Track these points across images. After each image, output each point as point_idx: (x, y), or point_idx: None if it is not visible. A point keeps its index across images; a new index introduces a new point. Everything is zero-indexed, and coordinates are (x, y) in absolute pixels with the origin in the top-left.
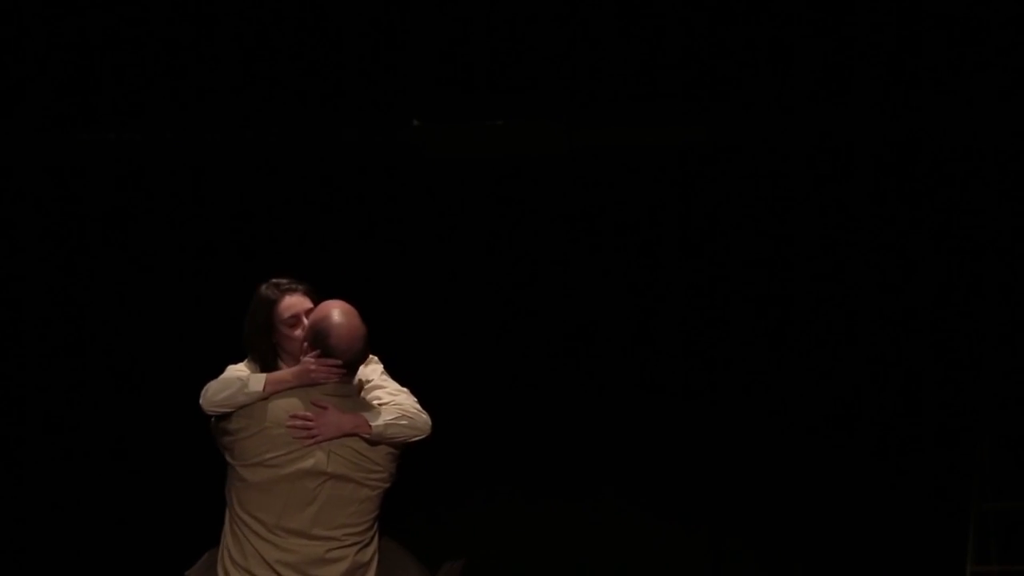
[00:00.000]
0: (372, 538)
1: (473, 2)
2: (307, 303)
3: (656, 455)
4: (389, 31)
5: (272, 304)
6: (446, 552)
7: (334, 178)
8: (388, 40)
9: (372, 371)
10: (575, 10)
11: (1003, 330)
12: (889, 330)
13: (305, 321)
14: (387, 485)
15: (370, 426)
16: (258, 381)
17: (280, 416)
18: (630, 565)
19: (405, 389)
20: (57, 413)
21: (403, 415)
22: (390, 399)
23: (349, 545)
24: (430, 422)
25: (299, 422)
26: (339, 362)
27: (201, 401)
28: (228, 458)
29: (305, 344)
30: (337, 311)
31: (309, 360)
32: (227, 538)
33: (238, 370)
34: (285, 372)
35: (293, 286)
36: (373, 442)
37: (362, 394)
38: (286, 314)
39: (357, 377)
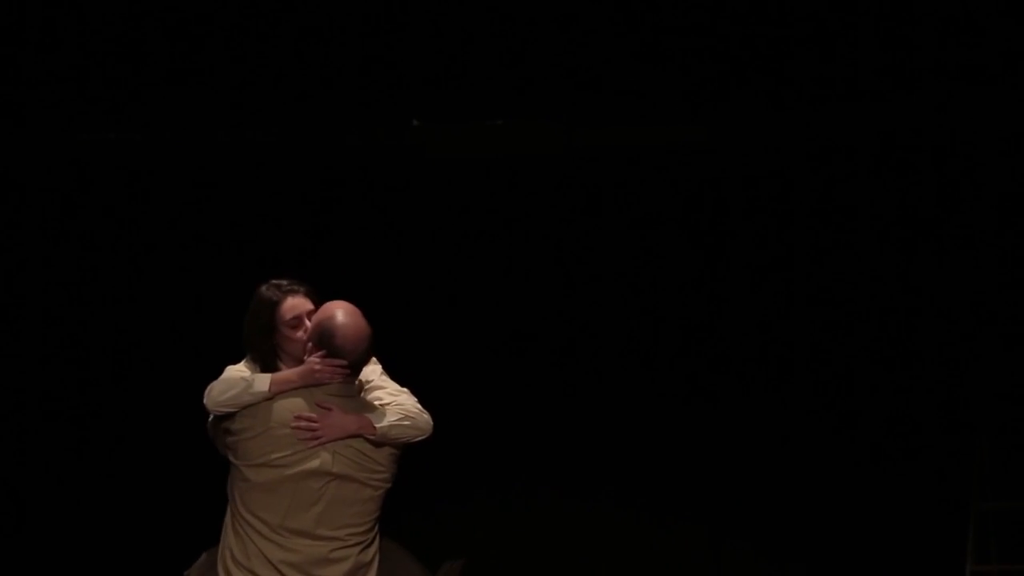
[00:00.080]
0: (373, 538)
1: (473, 2)
2: (309, 305)
3: (656, 455)
4: (389, 31)
5: (274, 305)
6: (446, 552)
7: (334, 178)
8: (388, 40)
9: (371, 371)
10: (575, 10)
11: (1003, 330)
12: (889, 330)
13: (307, 323)
14: (389, 485)
15: (375, 427)
16: (263, 381)
17: (285, 417)
18: (630, 565)
19: (405, 389)
20: (56, 413)
21: (406, 416)
22: (391, 399)
23: (352, 545)
24: (431, 422)
25: (303, 423)
26: (344, 362)
27: (205, 401)
28: (231, 458)
29: (309, 344)
30: (342, 311)
31: (314, 360)
32: (229, 538)
33: (239, 370)
34: (290, 372)
35: (294, 287)
36: (377, 443)
37: (362, 394)
38: (288, 315)
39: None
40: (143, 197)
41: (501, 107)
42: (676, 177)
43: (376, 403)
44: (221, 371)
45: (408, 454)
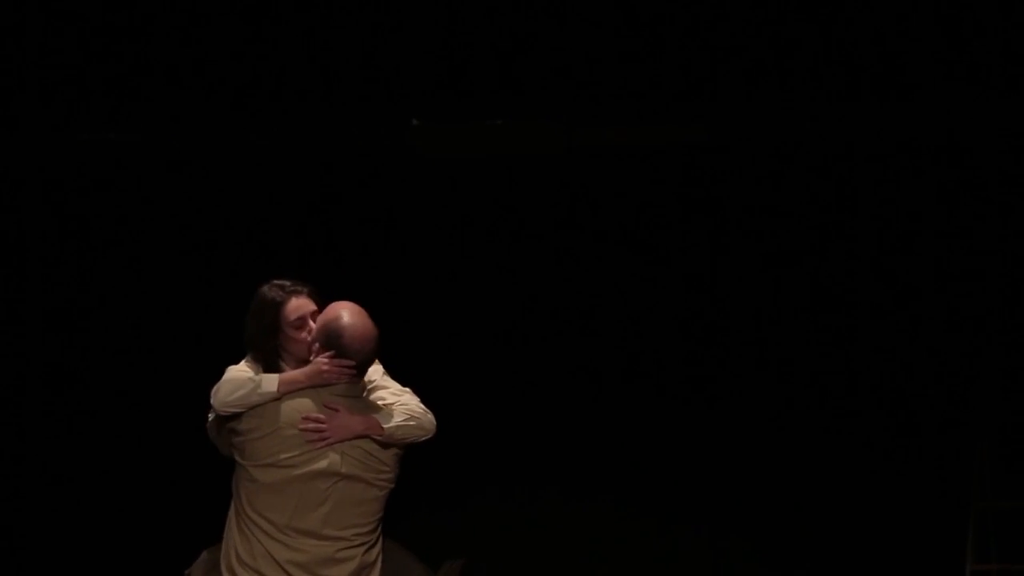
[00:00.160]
0: (377, 539)
1: (473, 2)
2: (312, 305)
3: (656, 455)
4: (389, 31)
5: (278, 306)
6: (446, 552)
7: (333, 178)
8: (388, 40)
9: (373, 371)
10: (575, 10)
11: (1003, 330)
12: (889, 330)
13: (311, 323)
14: (393, 486)
15: (382, 428)
16: (271, 382)
17: (293, 417)
18: (630, 565)
19: (407, 389)
20: (55, 413)
21: (411, 416)
22: (394, 399)
23: (358, 545)
24: (435, 422)
25: (311, 425)
26: (352, 363)
27: (212, 401)
28: (238, 458)
29: (316, 345)
30: (349, 312)
31: (322, 360)
32: (234, 537)
33: (243, 371)
34: (297, 372)
35: (298, 288)
36: (383, 443)
37: (365, 395)
38: (293, 316)
39: None
40: (143, 197)
41: (501, 107)
42: (676, 177)
43: (380, 403)
44: (221, 371)
45: (409, 454)
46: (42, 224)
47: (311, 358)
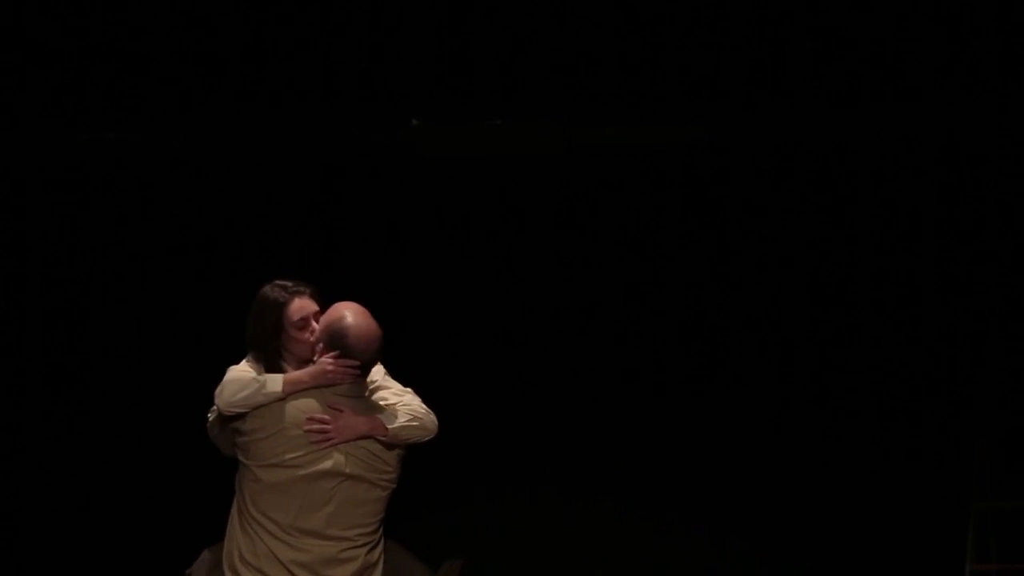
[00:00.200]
0: (379, 539)
1: (473, 2)
2: (315, 306)
3: (656, 455)
4: (389, 30)
5: (281, 306)
6: (446, 552)
7: (333, 178)
8: (388, 40)
9: (375, 372)
10: (574, 10)
11: (1003, 330)
12: (889, 329)
13: (314, 324)
14: (395, 486)
15: (386, 429)
16: (276, 382)
17: (298, 417)
18: (630, 565)
19: (409, 389)
20: (55, 413)
21: (414, 416)
22: (396, 400)
23: (361, 545)
24: (437, 422)
25: (316, 425)
26: (356, 363)
27: (217, 401)
28: (242, 458)
29: (320, 345)
30: (353, 312)
31: (327, 360)
32: (237, 537)
33: (246, 371)
34: (302, 373)
35: (300, 288)
36: (386, 443)
37: (367, 395)
38: (296, 316)
39: None
40: (143, 197)
41: (500, 107)
42: (676, 177)
43: (383, 404)
44: (222, 371)
45: (409, 454)
46: (42, 224)
47: (315, 358)
